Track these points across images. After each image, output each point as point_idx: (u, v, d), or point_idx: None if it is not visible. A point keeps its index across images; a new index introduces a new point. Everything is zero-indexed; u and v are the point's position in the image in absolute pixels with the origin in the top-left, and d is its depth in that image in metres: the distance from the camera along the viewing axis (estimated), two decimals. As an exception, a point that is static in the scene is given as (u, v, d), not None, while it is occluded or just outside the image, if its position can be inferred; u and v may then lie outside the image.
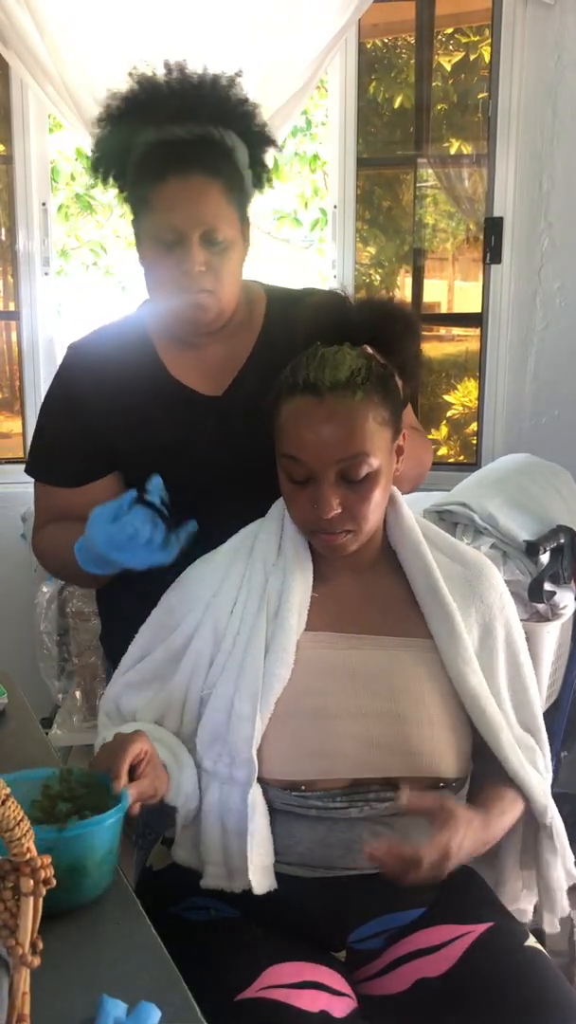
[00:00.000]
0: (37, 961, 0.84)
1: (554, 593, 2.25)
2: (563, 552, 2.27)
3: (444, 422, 3.59)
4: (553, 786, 1.49)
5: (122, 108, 1.48)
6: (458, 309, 3.59)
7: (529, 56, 2.89)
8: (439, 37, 3.17)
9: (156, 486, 1.37)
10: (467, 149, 3.15)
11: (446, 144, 3.20)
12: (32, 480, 1.71)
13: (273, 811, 1.28)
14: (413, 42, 3.17)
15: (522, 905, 1.45)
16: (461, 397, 3.53)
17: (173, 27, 2.67)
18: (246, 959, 1.21)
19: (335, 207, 3.14)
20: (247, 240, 1.52)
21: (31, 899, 0.82)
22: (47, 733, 2.35)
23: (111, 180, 1.52)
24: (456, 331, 3.53)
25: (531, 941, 1.30)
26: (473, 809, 1.27)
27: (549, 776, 1.41)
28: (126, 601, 1.51)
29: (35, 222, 3.06)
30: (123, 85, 1.48)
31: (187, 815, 1.31)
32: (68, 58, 2.72)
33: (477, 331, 3.15)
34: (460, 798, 1.38)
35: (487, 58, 3.03)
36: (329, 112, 3.13)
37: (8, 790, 0.79)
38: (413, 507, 1.44)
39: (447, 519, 2.42)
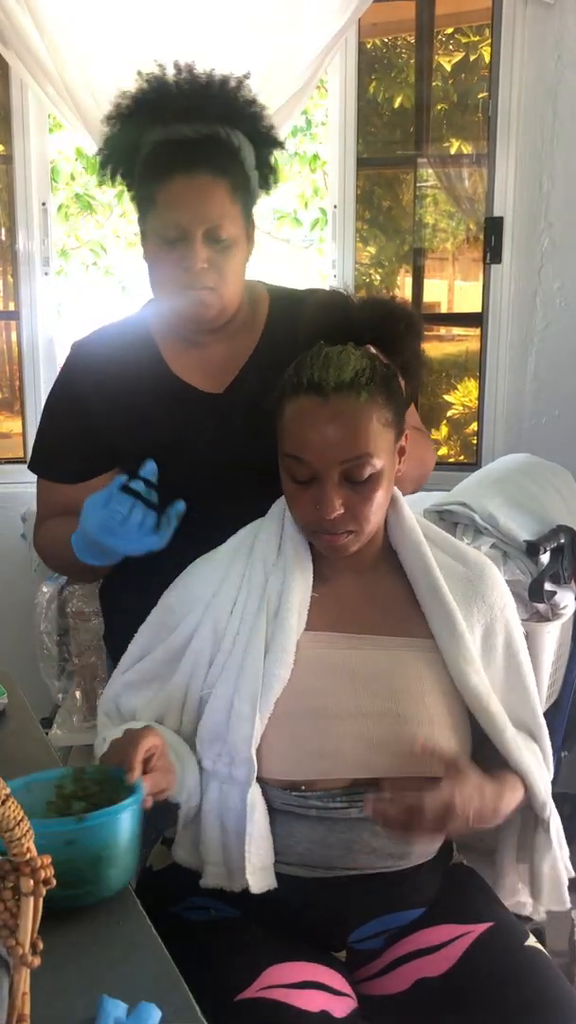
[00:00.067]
0: (37, 961, 0.84)
1: (554, 593, 2.25)
2: (563, 552, 2.27)
3: (444, 422, 3.59)
4: (553, 786, 1.49)
5: (131, 107, 1.49)
6: (458, 309, 3.58)
7: (529, 56, 2.89)
8: (439, 37, 3.17)
9: (149, 471, 1.38)
10: (467, 149, 3.15)
11: (446, 144, 3.20)
12: (33, 480, 1.71)
13: (273, 811, 1.28)
14: (413, 42, 3.17)
15: (521, 898, 1.45)
16: (461, 397, 3.53)
17: (173, 27, 2.67)
18: (246, 959, 1.22)
19: (335, 207, 3.13)
20: (251, 240, 1.52)
21: (31, 899, 0.82)
22: (47, 733, 2.35)
23: (119, 178, 1.53)
24: (456, 331, 3.53)
25: (531, 941, 1.30)
26: (484, 777, 1.27)
27: (550, 773, 1.41)
28: (128, 599, 1.51)
29: (35, 222, 3.06)
30: (132, 84, 1.49)
31: (188, 812, 1.31)
32: (68, 58, 2.72)
33: (477, 331, 3.15)
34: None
35: (487, 58, 3.03)
36: (329, 112, 3.13)
37: (8, 790, 0.79)
38: (413, 507, 1.44)
39: (447, 519, 2.42)
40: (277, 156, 1.57)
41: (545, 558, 2.25)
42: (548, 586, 2.23)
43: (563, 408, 3.01)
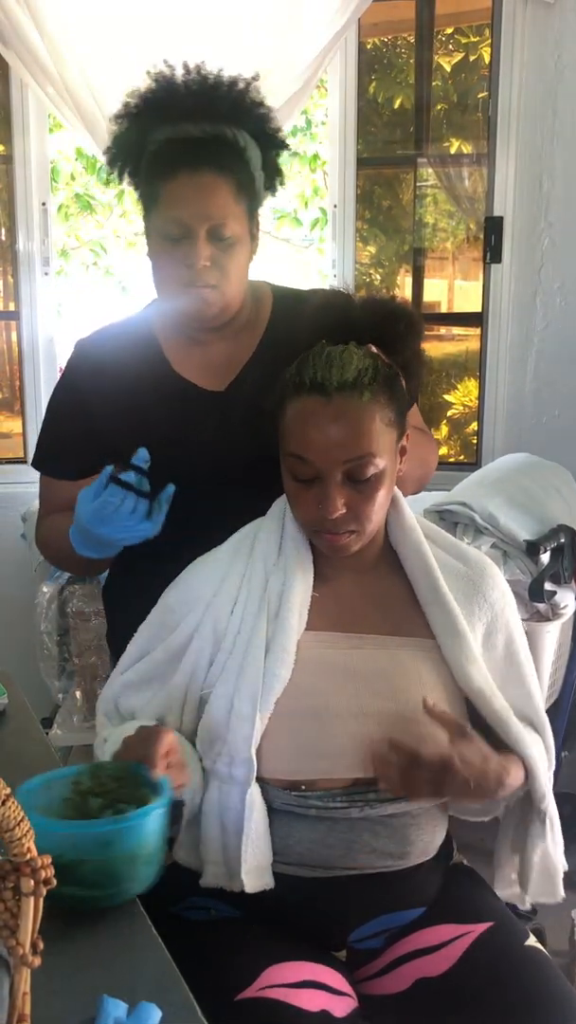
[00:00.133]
0: (38, 961, 0.84)
1: (554, 593, 2.25)
2: (563, 552, 2.27)
3: (444, 422, 3.59)
4: (553, 786, 1.49)
5: (139, 105, 1.49)
6: (458, 309, 3.59)
7: (529, 55, 2.89)
8: (439, 37, 3.17)
9: (140, 458, 1.38)
10: (467, 148, 3.15)
11: (446, 144, 3.20)
12: (33, 480, 1.72)
13: (273, 811, 1.28)
14: (413, 41, 3.17)
15: (515, 890, 1.46)
16: (461, 397, 3.53)
17: (173, 27, 2.67)
18: (246, 959, 1.21)
19: (335, 207, 3.14)
20: (255, 240, 1.53)
21: (31, 899, 0.82)
22: (47, 733, 2.35)
23: (126, 176, 1.54)
24: (456, 331, 3.53)
25: (531, 941, 1.30)
26: (490, 749, 1.28)
27: (552, 765, 1.41)
28: (130, 598, 1.51)
29: (35, 222, 3.06)
30: (140, 83, 1.49)
31: (192, 810, 1.31)
32: (68, 58, 2.72)
33: (477, 331, 3.15)
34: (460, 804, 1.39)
35: (487, 59, 3.03)
36: (329, 112, 3.13)
37: (8, 790, 0.79)
38: (413, 507, 1.44)
39: (447, 519, 2.42)
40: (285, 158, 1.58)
41: (545, 558, 2.25)
42: (548, 586, 2.23)
43: (563, 408, 3.01)
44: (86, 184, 5.54)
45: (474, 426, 3.29)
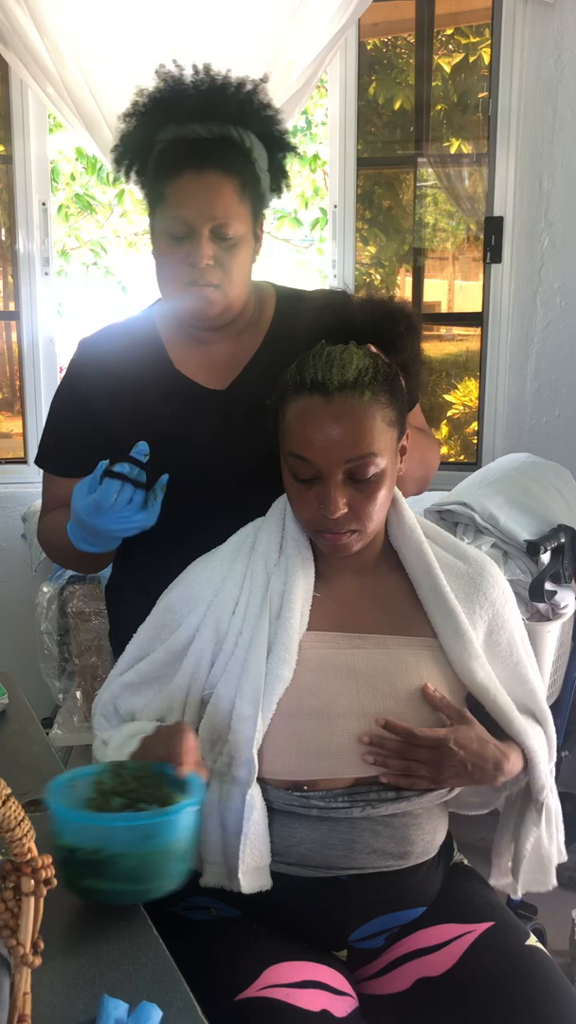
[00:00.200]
0: (38, 961, 0.84)
1: (555, 592, 2.25)
2: (564, 551, 2.27)
3: (445, 421, 3.59)
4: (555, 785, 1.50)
5: (148, 105, 1.50)
6: (458, 308, 3.59)
7: (529, 55, 2.89)
8: (439, 38, 3.17)
9: (139, 451, 1.38)
10: (467, 148, 3.16)
11: (446, 144, 3.20)
12: (33, 480, 1.72)
13: (274, 811, 1.28)
14: (413, 41, 3.17)
15: (511, 879, 1.46)
16: (461, 396, 3.53)
17: (173, 27, 2.67)
18: (247, 958, 1.21)
19: (335, 207, 3.14)
20: (259, 241, 1.53)
21: (32, 899, 0.82)
22: (48, 733, 2.35)
23: (133, 175, 1.55)
24: (456, 331, 3.53)
25: (532, 940, 1.30)
26: (489, 736, 1.30)
27: (554, 757, 1.42)
28: (133, 598, 1.52)
29: (35, 222, 3.07)
30: (150, 83, 1.50)
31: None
32: (68, 58, 2.72)
33: (477, 330, 3.15)
34: (459, 797, 1.39)
35: (487, 59, 3.03)
36: (329, 112, 3.13)
37: (9, 790, 0.79)
38: (413, 507, 1.44)
39: (448, 519, 2.42)
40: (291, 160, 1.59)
41: (545, 557, 2.25)
42: (548, 585, 2.23)
43: (563, 407, 3.01)
44: (86, 184, 5.54)
45: (474, 426, 3.29)
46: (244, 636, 1.31)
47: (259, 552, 1.37)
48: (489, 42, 3.00)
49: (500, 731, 1.35)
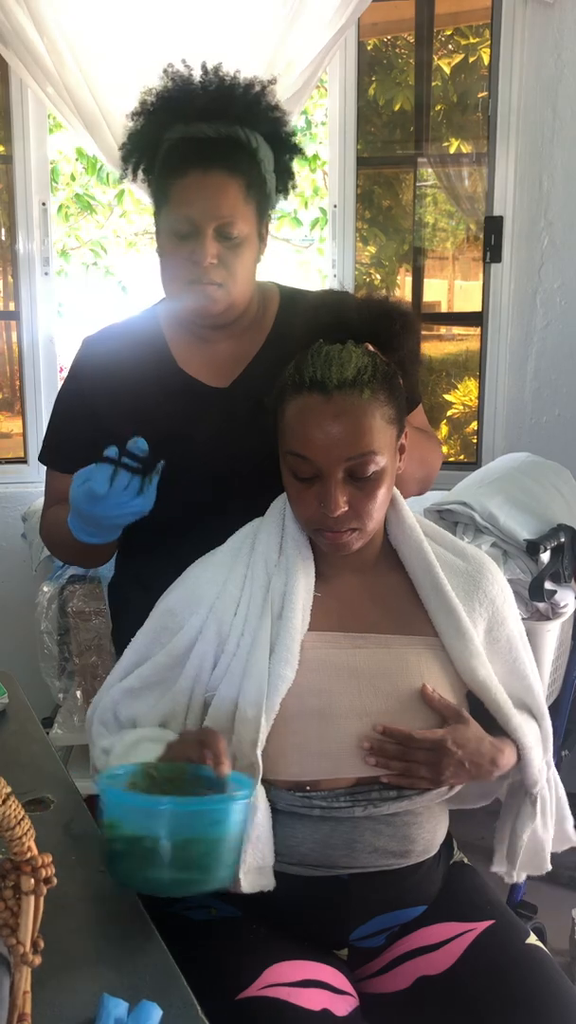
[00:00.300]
0: (38, 960, 0.85)
1: (555, 592, 2.25)
2: (564, 551, 2.27)
3: (444, 421, 3.59)
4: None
5: (156, 104, 1.51)
6: (458, 308, 3.59)
7: (529, 55, 2.89)
8: (439, 37, 3.17)
9: (136, 445, 1.38)
10: (467, 148, 3.16)
11: (446, 143, 3.20)
12: (33, 480, 1.73)
13: (277, 812, 1.28)
14: (412, 41, 3.17)
15: (504, 869, 1.47)
16: (461, 396, 3.53)
17: (173, 27, 2.67)
18: (248, 958, 1.22)
19: (335, 206, 3.14)
20: (264, 241, 1.54)
21: (32, 898, 0.82)
22: (48, 733, 2.35)
23: (139, 173, 1.55)
24: (456, 330, 3.53)
25: (532, 939, 1.31)
26: (484, 733, 1.31)
27: (549, 752, 1.42)
28: (136, 597, 1.51)
29: (35, 222, 3.07)
30: (158, 82, 1.51)
31: None
32: (68, 58, 2.72)
33: (477, 330, 3.15)
34: (460, 792, 1.39)
35: (487, 59, 3.03)
36: (329, 111, 3.13)
37: (9, 789, 0.79)
38: (413, 507, 1.44)
39: (447, 518, 2.42)
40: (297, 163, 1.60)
41: (545, 557, 2.25)
42: (548, 585, 2.23)
43: (563, 407, 3.01)
44: (86, 184, 5.54)
45: (474, 425, 3.29)
46: (246, 637, 1.31)
47: (259, 552, 1.37)
48: (489, 42, 3.00)
49: (494, 726, 1.36)
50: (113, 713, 1.38)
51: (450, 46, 3.21)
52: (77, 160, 5.32)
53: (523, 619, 2.25)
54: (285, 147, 1.55)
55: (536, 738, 1.39)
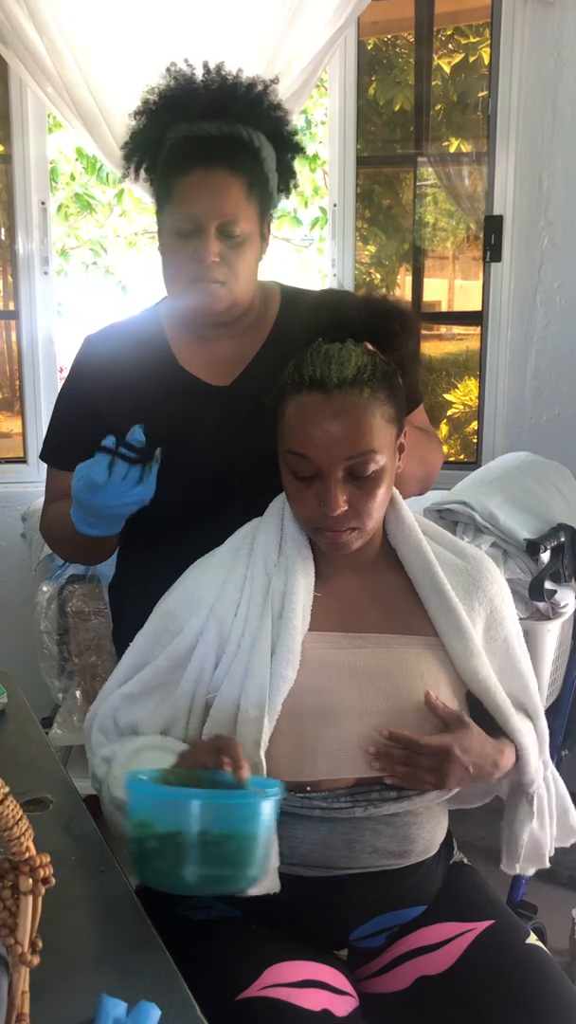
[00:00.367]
0: (36, 960, 0.84)
1: (555, 592, 2.25)
2: (564, 550, 2.27)
3: (445, 421, 3.59)
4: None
5: (159, 103, 1.51)
6: (458, 308, 3.59)
7: (529, 54, 2.89)
8: (439, 37, 3.17)
9: (134, 437, 1.38)
10: (467, 147, 3.15)
11: (446, 143, 3.20)
12: (32, 480, 1.73)
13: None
14: (412, 40, 3.17)
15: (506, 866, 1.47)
16: (461, 396, 3.53)
17: (173, 26, 2.67)
18: (247, 958, 1.21)
19: (335, 206, 3.14)
20: (266, 240, 1.55)
21: (30, 898, 0.82)
22: (47, 733, 2.35)
23: (142, 172, 1.56)
24: (456, 330, 3.53)
25: (532, 939, 1.30)
26: (485, 735, 1.31)
27: (544, 753, 1.43)
28: (137, 596, 1.51)
29: (34, 222, 3.06)
30: (161, 81, 1.51)
31: None
32: (67, 58, 2.72)
33: (477, 330, 3.15)
34: (460, 792, 1.39)
35: (487, 59, 3.03)
36: (328, 111, 3.13)
37: (7, 789, 0.79)
38: (413, 506, 1.44)
39: (447, 517, 2.42)
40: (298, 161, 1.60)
41: (545, 556, 2.25)
42: (548, 584, 2.23)
43: (563, 406, 3.01)
44: (86, 184, 5.55)
45: (474, 425, 3.29)
46: (247, 638, 1.30)
47: (258, 553, 1.36)
48: (489, 41, 3.00)
49: (492, 726, 1.36)
50: (113, 720, 1.37)
51: (450, 45, 3.21)
52: (77, 160, 5.32)
53: (523, 619, 2.26)
54: (287, 146, 1.56)
55: (532, 738, 1.39)
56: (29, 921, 0.83)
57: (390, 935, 1.33)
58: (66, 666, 2.78)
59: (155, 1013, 0.94)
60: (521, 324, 3.03)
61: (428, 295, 3.46)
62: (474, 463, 3.11)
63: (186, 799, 1.06)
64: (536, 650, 2.25)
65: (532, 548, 2.24)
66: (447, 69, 3.18)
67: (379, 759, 1.25)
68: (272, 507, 1.40)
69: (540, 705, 1.44)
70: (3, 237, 3.25)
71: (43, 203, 3.07)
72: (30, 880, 0.82)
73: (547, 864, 1.49)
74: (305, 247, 5.80)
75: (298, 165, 1.62)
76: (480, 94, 3.07)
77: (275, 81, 1.54)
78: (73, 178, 5.53)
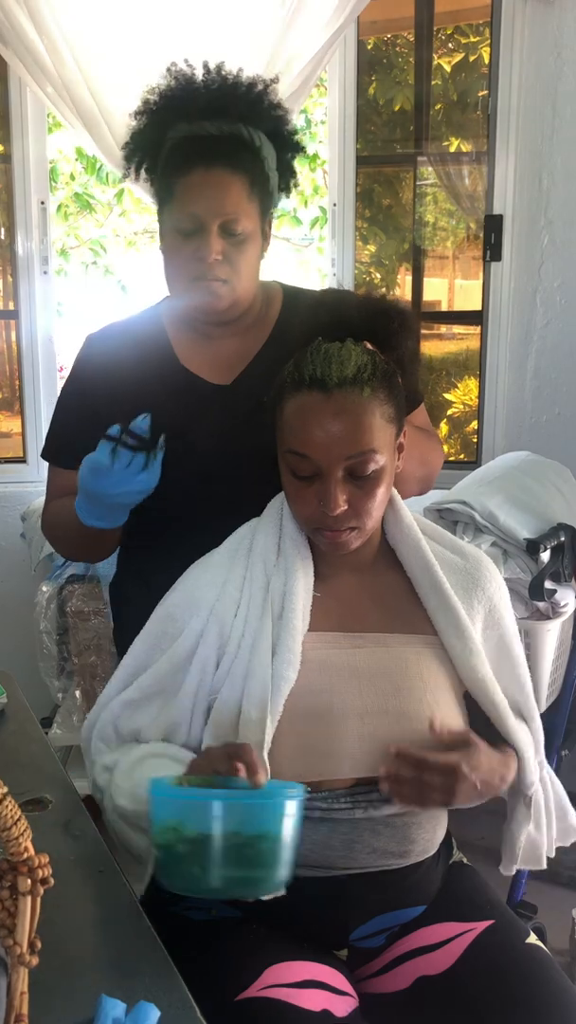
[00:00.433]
0: (35, 960, 0.84)
1: (555, 591, 2.25)
2: (564, 550, 2.27)
3: (444, 420, 3.58)
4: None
5: (159, 103, 1.52)
6: (458, 307, 3.58)
7: (529, 53, 2.89)
8: (439, 36, 3.17)
9: (138, 425, 1.38)
10: (467, 147, 3.15)
11: (446, 142, 3.20)
12: (32, 480, 1.73)
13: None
14: (412, 39, 3.16)
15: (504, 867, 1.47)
16: (461, 395, 3.52)
17: (172, 26, 2.67)
18: (247, 959, 1.21)
19: (335, 205, 3.13)
20: (267, 239, 1.56)
21: (29, 898, 0.82)
22: (47, 733, 2.35)
23: (142, 172, 1.56)
24: (456, 329, 3.53)
25: (532, 939, 1.30)
26: (490, 749, 1.29)
27: (539, 754, 1.42)
28: (138, 595, 1.51)
29: (34, 222, 3.06)
30: (161, 81, 1.52)
31: None
32: (67, 57, 2.72)
33: (477, 329, 3.15)
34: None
35: (487, 58, 3.03)
36: (328, 110, 3.13)
37: (5, 789, 0.79)
38: (412, 506, 1.44)
39: (447, 517, 2.42)
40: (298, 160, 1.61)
41: (545, 556, 2.25)
42: (548, 584, 2.23)
43: (563, 406, 3.01)
44: (85, 183, 5.55)
45: (474, 424, 3.29)
46: (247, 639, 1.30)
47: (257, 553, 1.36)
48: (489, 41, 3.00)
49: (491, 729, 1.35)
50: (113, 728, 1.36)
51: (450, 45, 3.20)
52: (77, 160, 5.32)
53: (523, 619, 2.26)
54: (287, 145, 1.57)
55: (528, 740, 1.38)
56: (28, 922, 0.83)
57: (390, 935, 1.33)
58: (66, 666, 2.78)
59: (154, 1013, 0.94)
60: (521, 323, 3.03)
61: (428, 295, 3.46)
62: (474, 463, 3.10)
63: (217, 800, 1.04)
64: (536, 650, 2.25)
65: (532, 548, 2.24)
66: (447, 68, 3.18)
67: (387, 781, 1.21)
68: (270, 507, 1.40)
69: (535, 706, 1.44)
70: (3, 237, 3.24)
71: (43, 203, 3.07)
72: (29, 880, 0.81)
73: (544, 865, 1.48)
74: (305, 247, 5.80)
75: (298, 164, 1.63)
76: (480, 93, 3.06)
77: (275, 80, 1.55)
78: (73, 178, 5.53)
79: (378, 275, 3.47)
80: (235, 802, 1.05)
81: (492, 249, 3.02)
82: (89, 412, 1.58)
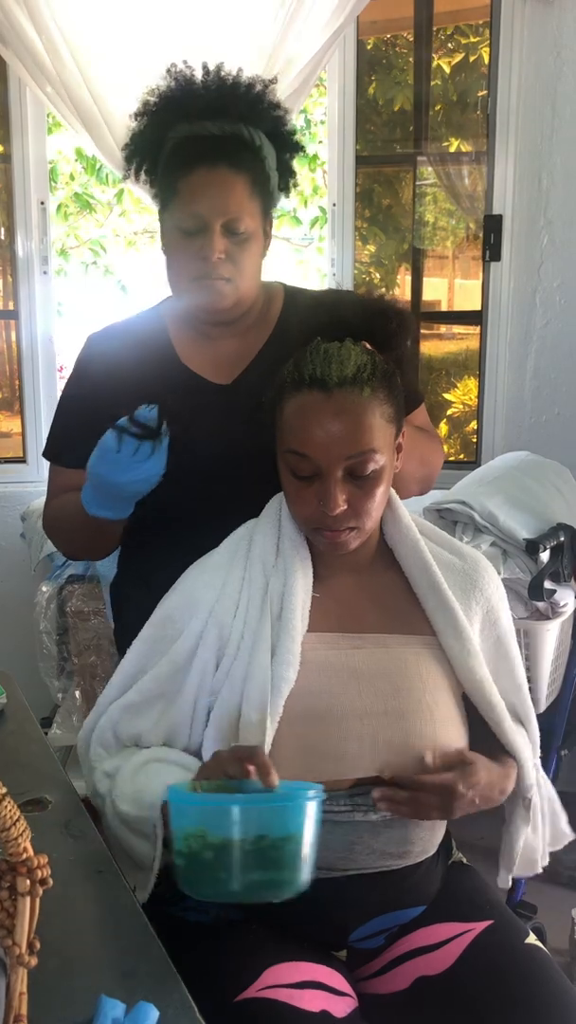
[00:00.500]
0: (34, 961, 0.84)
1: (554, 591, 2.25)
2: (563, 550, 2.27)
3: (444, 420, 3.58)
4: (553, 784, 1.49)
5: (159, 103, 1.52)
6: (458, 307, 3.58)
7: (528, 53, 2.89)
8: (439, 36, 3.17)
9: (142, 415, 1.39)
10: (466, 147, 3.15)
11: (445, 142, 3.20)
12: (32, 480, 1.73)
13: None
14: (412, 39, 3.16)
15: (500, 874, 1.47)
16: (461, 395, 3.52)
17: (172, 25, 2.67)
18: (246, 959, 1.21)
19: (334, 205, 3.14)
20: (268, 238, 1.56)
21: (28, 899, 0.82)
22: (47, 733, 2.35)
23: (142, 173, 1.57)
24: (456, 329, 3.53)
25: (531, 939, 1.30)
26: (489, 762, 1.30)
27: (536, 756, 1.43)
28: (139, 595, 1.51)
29: (33, 222, 3.06)
30: (161, 82, 1.52)
31: None
32: (67, 57, 2.72)
33: (477, 329, 3.15)
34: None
35: (486, 58, 3.03)
36: (328, 110, 3.13)
37: (4, 789, 0.79)
38: (412, 506, 1.44)
39: (447, 517, 2.42)
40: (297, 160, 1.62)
41: (545, 556, 2.25)
42: (548, 584, 2.23)
43: (563, 406, 3.01)
44: (85, 184, 5.55)
45: (474, 424, 3.29)
46: (246, 640, 1.30)
47: (256, 554, 1.36)
48: (488, 41, 3.00)
49: (488, 733, 1.35)
50: (113, 733, 1.36)
51: (450, 45, 3.20)
52: (76, 160, 5.32)
53: (523, 619, 2.26)
54: (287, 145, 1.57)
55: (525, 743, 1.38)
56: (27, 922, 0.83)
57: (389, 936, 1.33)
58: (65, 666, 2.78)
59: (154, 1014, 0.94)
60: (520, 323, 3.03)
61: (428, 294, 3.46)
62: (474, 463, 3.10)
63: (241, 804, 1.04)
64: (535, 650, 2.25)
65: (531, 548, 2.24)
66: (447, 69, 3.18)
67: (384, 801, 1.22)
68: (269, 507, 1.40)
69: (531, 708, 1.44)
70: (3, 237, 3.24)
71: (42, 203, 3.07)
72: (28, 881, 0.81)
73: (539, 870, 1.48)
74: (304, 246, 5.80)
75: (297, 164, 1.63)
76: (480, 94, 3.06)
77: (273, 81, 1.56)
78: (73, 178, 5.53)
79: (378, 275, 3.47)
80: (259, 806, 1.04)
81: (492, 249, 3.02)
82: (90, 411, 1.58)
